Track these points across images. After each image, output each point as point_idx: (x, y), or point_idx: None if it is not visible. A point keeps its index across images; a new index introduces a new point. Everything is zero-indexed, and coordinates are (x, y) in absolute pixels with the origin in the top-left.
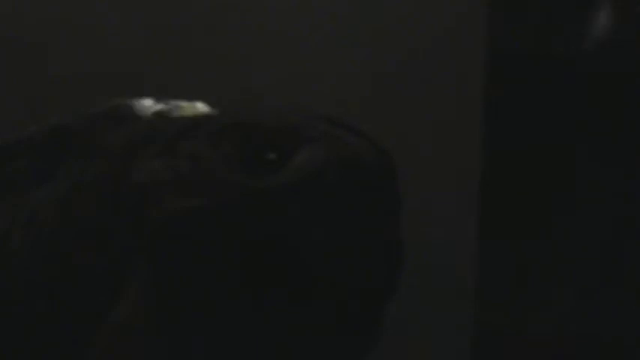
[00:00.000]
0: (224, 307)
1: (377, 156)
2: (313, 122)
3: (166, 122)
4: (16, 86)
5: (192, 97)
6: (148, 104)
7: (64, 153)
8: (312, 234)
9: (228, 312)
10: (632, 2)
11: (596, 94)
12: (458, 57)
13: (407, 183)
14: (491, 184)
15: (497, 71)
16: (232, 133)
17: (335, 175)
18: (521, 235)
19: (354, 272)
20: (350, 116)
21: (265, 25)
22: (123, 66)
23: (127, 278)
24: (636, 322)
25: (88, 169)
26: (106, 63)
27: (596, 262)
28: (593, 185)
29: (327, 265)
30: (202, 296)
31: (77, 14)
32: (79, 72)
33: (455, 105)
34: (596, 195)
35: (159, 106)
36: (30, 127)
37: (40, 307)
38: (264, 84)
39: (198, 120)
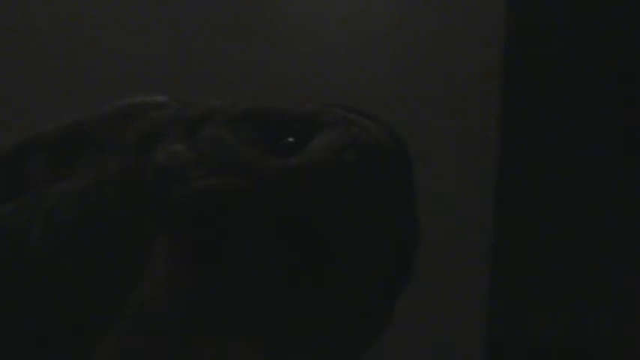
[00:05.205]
0: (255, 280)
1: (394, 141)
2: (331, 109)
3: (184, 112)
4: (18, 85)
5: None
6: (162, 100)
7: (81, 149)
8: (335, 212)
9: (259, 286)
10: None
11: (609, 97)
12: (477, 60)
13: (420, 187)
14: (505, 190)
15: (514, 75)
16: (251, 119)
17: (353, 157)
18: (533, 243)
19: (371, 253)
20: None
21: (285, 24)
22: (140, 68)
23: (145, 267)
24: (636, 332)
25: (107, 162)
26: (117, 65)
27: (606, 270)
28: (605, 190)
29: (346, 245)
30: (235, 268)
31: (82, 14)
32: (84, 73)
33: (473, 107)
34: (609, 200)
35: (174, 102)
36: (46, 125)
37: (58, 299)
38: (281, 83)
39: (216, 109)
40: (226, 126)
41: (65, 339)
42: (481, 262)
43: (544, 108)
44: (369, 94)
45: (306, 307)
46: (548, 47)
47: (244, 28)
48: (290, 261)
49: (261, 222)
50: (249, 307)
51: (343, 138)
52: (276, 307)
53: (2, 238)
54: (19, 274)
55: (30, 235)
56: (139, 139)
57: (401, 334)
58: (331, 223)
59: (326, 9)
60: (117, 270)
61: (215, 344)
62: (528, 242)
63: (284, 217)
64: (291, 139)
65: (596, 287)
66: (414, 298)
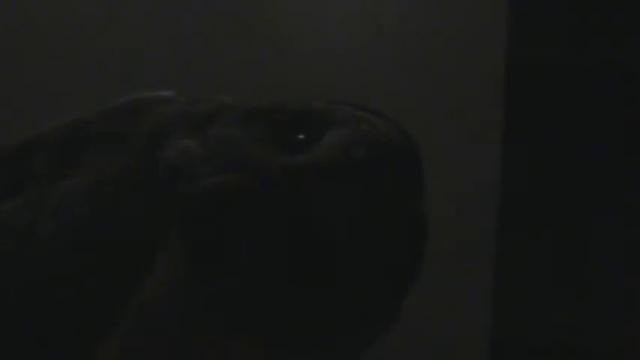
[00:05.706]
0: (256, 280)
1: (403, 138)
2: (340, 106)
3: (193, 107)
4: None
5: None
6: (169, 95)
7: (81, 148)
8: (342, 210)
9: (259, 286)
10: None
11: (609, 96)
12: (478, 60)
13: (426, 187)
14: (506, 190)
15: (515, 75)
16: (260, 116)
17: (363, 154)
18: (533, 243)
19: (373, 252)
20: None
21: (285, 24)
22: (140, 66)
23: (155, 264)
24: (636, 332)
25: (108, 161)
26: (123, 64)
27: (606, 270)
28: (605, 190)
29: (347, 245)
30: (235, 268)
31: (85, 14)
32: (86, 72)
33: (474, 108)
34: (609, 200)
35: (181, 98)
36: (46, 125)
37: (59, 299)
38: (281, 83)
39: (224, 106)
40: (236, 123)
41: (66, 339)
42: (482, 263)
43: (544, 108)
44: (369, 94)
45: (307, 307)
46: (548, 47)
47: (244, 28)
48: (290, 261)
49: (262, 222)
50: (249, 307)
51: (353, 135)
52: (276, 307)
53: (3, 236)
54: (21, 273)
55: (34, 233)
56: (146, 135)
57: (402, 334)
58: (332, 222)
59: (326, 9)
60: (118, 270)
61: (215, 344)
62: (528, 242)
63: (284, 217)
64: (302, 137)
65: (596, 287)
66: (415, 298)
